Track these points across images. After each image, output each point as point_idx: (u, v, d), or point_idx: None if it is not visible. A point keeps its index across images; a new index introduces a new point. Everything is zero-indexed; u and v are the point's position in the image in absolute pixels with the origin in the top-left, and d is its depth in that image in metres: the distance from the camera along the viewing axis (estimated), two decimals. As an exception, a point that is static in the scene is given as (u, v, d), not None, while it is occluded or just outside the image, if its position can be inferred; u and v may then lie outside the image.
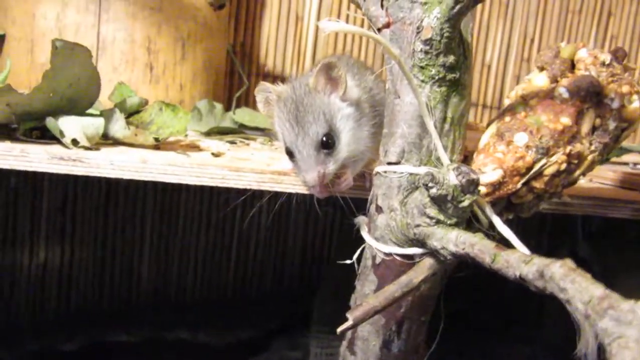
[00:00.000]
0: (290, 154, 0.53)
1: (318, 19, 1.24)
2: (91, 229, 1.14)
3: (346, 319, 0.43)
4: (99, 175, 0.52)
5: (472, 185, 0.41)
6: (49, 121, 0.55)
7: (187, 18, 0.93)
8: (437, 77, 0.45)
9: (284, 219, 1.20)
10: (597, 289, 0.29)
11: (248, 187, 0.53)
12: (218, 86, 1.07)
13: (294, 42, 1.23)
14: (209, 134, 0.83)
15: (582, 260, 1.08)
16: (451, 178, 0.41)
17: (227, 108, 1.03)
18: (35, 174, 1.10)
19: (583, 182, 0.73)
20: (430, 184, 0.41)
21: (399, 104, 0.47)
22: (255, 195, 1.16)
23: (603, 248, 1.07)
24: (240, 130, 0.87)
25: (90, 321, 1.11)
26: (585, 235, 1.10)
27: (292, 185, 0.55)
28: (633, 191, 0.68)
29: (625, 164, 0.88)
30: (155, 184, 1.14)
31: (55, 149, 0.54)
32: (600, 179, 0.75)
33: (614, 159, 0.87)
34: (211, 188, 1.18)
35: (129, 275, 1.17)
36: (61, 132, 0.55)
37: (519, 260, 0.35)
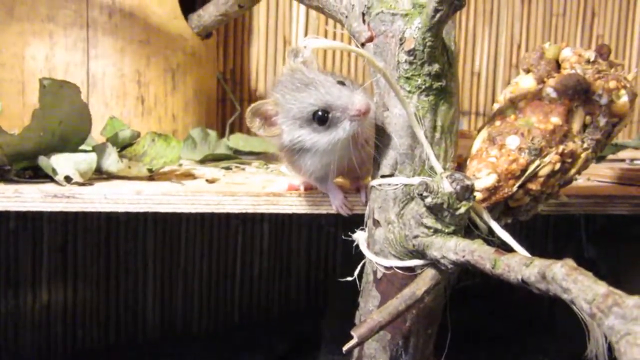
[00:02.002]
0: (321, 118, 0.48)
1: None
2: (93, 266, 1.14)
3: (352, 337, 0.43)
4: (93, 210, 0.52)
5: (466, 192, 0.41)
6: (41, 160, 0.55)
7: (176, 49, 0.94)
8: (423, 87, 0.45)
9: (286, 241, 1.19)
10: (601, 287, 0.29)
11: (244, 211, 0.53)
12: (210, 114, 1.08)
13: (283, 65, 1.24)
14: (203, 161, 0.83)
15: (589, 261, 1.07)
16: (445, 186, 0.41)
17: (221, 135, 1.04)
18: (34, 215, 1.10)
19: (581, 182, 0.72)
20: (425, 194, 0.41)
21: (388, 116, 0.46)
22: (256, 219, 1.15)
23: (608, 248, 1.06)
24: (235, 156, 0.87)
25: (98, 358, 1.09)
26: (589, 236, 1.09)
27: (289, 206, 0.54)
28: (631, 187, 0.67)
29: (622, 160, 0.88)
30: (154, 216, 1.14)
31: (49, 187, 0.53)
32: (598, 177, 0.75)
33: (610, 156, 0.87)
34: (211, 216, 1.18)
35: (134, 309, 1.16)
36: (54, 170, 0.55)
37: (519, 264, 0.35)
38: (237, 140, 0.99)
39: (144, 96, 0.91)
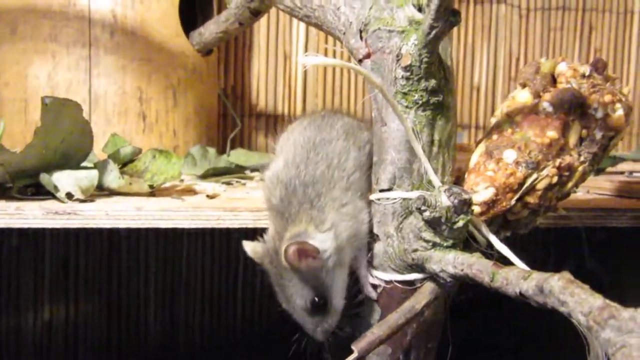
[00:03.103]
0: None
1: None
2: (95, 283, 1.14)
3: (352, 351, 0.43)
4: (94, 226, 0.52)
5: (464, 206, 0.41)
6: (43, 177, 0.56)
7: (176, 66, 0.95)
8: (420, 102, 0.45)
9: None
10: (597, 300, 0.29)
11: (244, 226, 0.53)
12: (211, 129, 1.08)
13: (283, 81, 1.25)
14: (205, 176, 0.84)
15: (591, 273, 1.06)
16: (443, 200, 0.41)
17: (222, 150, 1.04)
18: (36, 231, 1.10)
19: (580, 195, 0.72)
20: (423, 208, 0.41)
21: (386, 131, 0.47)
22: (257, 233, 1.15)
23: (610, 259, 1.06)
24: (237, 169, 0.88)
25: (99, 376, 1.09)
26: (590, 249, 1.09)
27: (289, 220, 0.54)
28: (631, 199, 0.67)
29: (621, 173, 0.89)
30: (156, 232, 1.14)
31: (50, 204, 0.54)
32: (598, 189, 0.75)
33: (609, 169, 0.87)
34: (212, 231, 1.18)
35: (136, 325, 1.15)
36: (55, 187, 0.56)
37: (517, 277, 0.35)
38: (238, 156, 0.99)
39: (146, 113, 0.92)
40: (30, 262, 1.11)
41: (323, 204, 0.47)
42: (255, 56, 1.24)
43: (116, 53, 0.89)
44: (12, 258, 1.10)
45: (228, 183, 0.81)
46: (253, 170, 0.95)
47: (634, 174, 0.86)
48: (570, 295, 0.30)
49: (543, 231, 1.17)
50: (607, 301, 0.29)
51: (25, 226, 0.51)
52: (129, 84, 0.91)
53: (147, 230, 1.14)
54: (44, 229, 1.07)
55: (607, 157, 0.74)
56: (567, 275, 0.32)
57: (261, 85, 1.25)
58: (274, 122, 1.26)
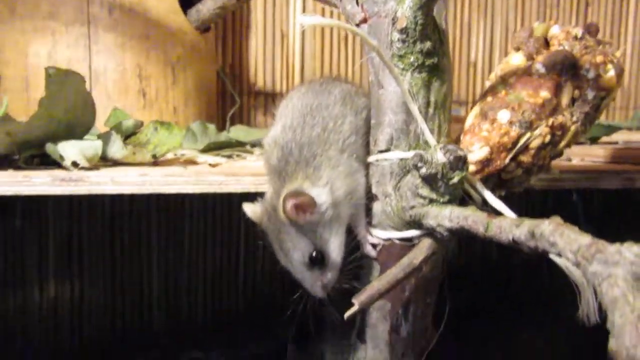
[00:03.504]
0: None
1: (303, 35, 1.27)
2: (99, 260, 1.15)
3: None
4: (101, 192, 0.53)
5: (459, 162, 0.43)
6: (49, 146, 0.57)
7: (175, 43, 0.96)
8: (416, 64, 0.46)
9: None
10: (585, 238, 0.31)
11: (246, 191, 0.54)
12: (211, 107, 1.09)
13: (281, 59, 1.26)
14: (205, 150, 0.85)
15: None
16: (439, 157, 0.43)
17: (222, 128, 1.05)
18: (39, 211, 1.12)
19: (575, 162, 0.74)
20: (419, 164, 0.43)
21: (383, 94, 0.48)
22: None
23: (606, 230, 1.08)
24: (237, 143, 0.89)
25: (105, 349, 1.11)
26: (587, 219, 1.11)
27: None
28: (624, 164, 0.69)
29: (616, 142, 0.90)
30: (157, 208, 1.16)
31: (57, 172, 0.55)
32: (592, 157, 0.76)
33: (604, 139, 0.88)
34: (213, 207, 1.20)
35: (140, 301, 1.17)
36: (61, 156, 0.57)
37: (510, 225, 0.37)
38: (238, 132, 1.00)
39: (145, 90, 0.93)
40: (35, 241, 1.12)
41: (319, 162, 0.49)
42: (252, 35, 1.25)
43: (115, 30, 0.90)
44: (16, 237, 1.11)
45: (229, 156, 0.82)
46: (253, 145, 0.96)
47: (628, 144, 0.87)
48: (560, 236, 0.32)
49: (540, 201, 1.19)
50: (595, 239, 0.30)
51: (34, 193, 0.53)
52: (128, 61, 0.92)
53: (149, 207, 1.16)
54: (47, 205, 1.08)
55: (600, 124, 0.76)
56: (557, 219, 0.33)
57: (259, 64, 1.26)
58: (273, 100, 1.26)
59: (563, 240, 0.31)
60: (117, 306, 1.15)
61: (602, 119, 1.06)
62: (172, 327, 1.16)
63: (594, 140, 0.81)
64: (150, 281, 1.16)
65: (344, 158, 0.50)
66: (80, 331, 1.14)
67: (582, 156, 0.77)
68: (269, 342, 1.05)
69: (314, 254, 0.49)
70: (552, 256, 0.40)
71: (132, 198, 1.14)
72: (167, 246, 1.16)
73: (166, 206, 1.16)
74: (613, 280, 0.27)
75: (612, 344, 0.25)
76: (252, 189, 0.54)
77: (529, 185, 0.53)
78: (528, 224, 0.35)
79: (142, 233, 1.15)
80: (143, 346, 1.09)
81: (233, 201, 1.18)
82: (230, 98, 1.21)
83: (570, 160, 0.73)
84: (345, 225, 0.50)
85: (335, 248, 0.50)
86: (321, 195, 0.48)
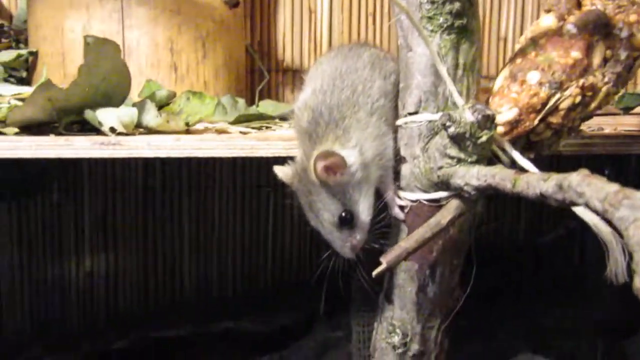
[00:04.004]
0: None
1: (330, 11, 1.27)
2: (132, 235, 1.19)
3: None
4: (138, 156, 0.55)
5: (488, 121, 0.43)
6: (87, 113, 0.59)
7: (205, 17, 0.97)
8: (445, 25, 0.47)
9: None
10: (612, 186, 0.31)
11: (277, 155, 0.56)
12: (240, 83, 1.11)
13: (309, 36, 1.26)
14: (235, 123, 0.86)
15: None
16: (467, 116, 0.43)
17: (251, 103, 1.07)
18: (75, 187, 1.16)
19: (607, 131, 0.73)
20: (448, 123, 0.43)
21: (412, 56, 0.49)
22: (287, 186, 1.19)
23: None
24: (267, 116, 0.90)
25: (139, 321, 1.15)
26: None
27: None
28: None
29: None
30: (189, 186, 1.19)
31: (96, 137, 0.58)
32: (625, 126, 0.75)
33: (638, 109, 0.86)
34: (243, 184, 1.22)
35: (172, 275, 1.21)
36: (99, 122, 0.59)
37: (538, 179, 0.37)
38: (266, 107, 1.01)
39: (177, 64, 0.95)
40: (71, 217, 1.16)
41: (348, 124, 0.50)
42: (280, 12, 1.25)
43: (147, 4, 0.92)
44: (54, 213, 1.15)
45: (258, 128, 0.83)
46: (282, 119, 0.97)
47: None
48: (587, 186, 0.32)
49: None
50: (622, 187, 0.31)
51: (74, 156, 0.55)
52: (160, 35, 0.93)
53: (180, 183, 1.19)
54: (82, 181, 1.12)
55: (634, 93, 0.74)
56: (584, 171, 0.34)
57: (287, 40, 1.27)
58: (301, 77, 1.27)
59: (590, 189, 0.32)
60: (150, 280, 1.19)
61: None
62: (203, 300, 1.19)
63: (627, 110, 0.80)
64: (182, 256, 1.20)
65: (373, 120, 0.51)
66: (115, 303, 1.19)
67: (615, 126, 0.76)
68: (298, 313, 1.08)
69: (343, 214, 0.50)
70: (581, 212, 0.40)
71: (164, 174, 1.18)
72: (198, 223, 1.19)
73: (197, 184, 1.18)
74: (639, 223, 0.27)
75: (637, 282, 0.25)
76: (283, 153, 0.56)
77: (557, 150, 0.53)
78: (556, 177, 0.36)
79: (174, 210, 1.19)
80: (175, 318, 1.12)
81: (262, 178, 1.20)
82: (259, 75, 1.22)
83: (602, 129, 0.72)
84: (374, 187, 0.51)
85: (364, 209, 0.51)
86: (351, 156, 0.49)
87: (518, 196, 0.39)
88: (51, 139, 0.56)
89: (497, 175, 0.41)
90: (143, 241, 1.18)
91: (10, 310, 1.14)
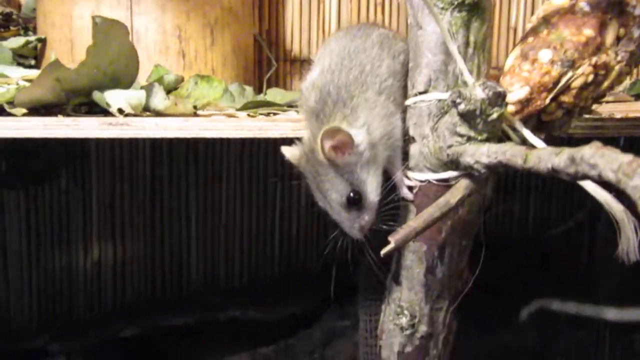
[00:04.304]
0: None
1: (339, 1, 1.26)
2: (139, 223, 1.19)
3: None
4: (145, 136, 0.55)
5: (499, 98, 0.43)
6: (95, 94, 0.59)
7: (214, 4, 0.97)
8: (456, 3, 0.46)
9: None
10: (626, 157, 0.30)
11: (284, 136, 0.55)
12: (248, 71, 1.11)
13: (317, 26, 1.26)
14: (243, 109, 0.86)
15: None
16: (478, 93, 0.43)
17: (259, 92, 1.06)
18: (83, 174, 1.16)
19: (619, 116, 0.72)
20: (458, 100, 0.43)
21: (421, 35, 0.48)
22: (293, 177, 1.19)
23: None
24: (275, 103, 0.90)
25: (146, 309, 1.15)
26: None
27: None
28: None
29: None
30: (196, 176, 1.19)
31: (104, 118, 0.57)
32: (637, 113, 0.74)
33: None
34: (250, 175, 1.22)
35: (179, 264, 1.21)
36: (107, 104, 0.59)
37: (549, 154, 0.36)
38: (274, 95, 1.01)
39: (185, 51, 0.95)
40: (79, 204, 1.16)
41: (356, 104, 0.50)
42: (289, 1, 1.25)
43: (155, -9, 0.92)
44: (61, 202, 1.16)
45: (266, 115, 0.83)
46: (289, 106, 0.97)
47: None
48: (600, 157, 0.32)
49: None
50: (635, 157, 0.30)
51: (82, 136, 0.55)
52: (168, 22, 0.93)
53: (187, 172, 1.19)
54: (90, 168, 1.12)
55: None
56: (597, 143, 0.33)
57: (295, 30, 1.26)
58: (309, 67, 1.27)
59: (604, 160, 0.31)
60: (157, 269, 1.19)
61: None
62: (210, 289, 1.19)
63: (638, 97, 0.79)
64: (189, 245, 1.20)
65: (381, 100, 0.50)
66: (123, 292, 1.19)
67: (626, 112, 0.75)
68: (305, 302, 1.08)
69: (351, 194, 0.50)
70: (592, 190, 0.40)
71: (171, 163, 1.18)
72: (205, 213, 1.19)
73: (204, 175, 1.19)
74: (655, 190, 0.27)
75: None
76: (290, 134, 0.56)
77: (568, 133, 0.52)
78: (568, 150, 0.35)
79: (181, 199, 1.19)
80: (183, 306, 1.12)
81: (269, 168, 1.20)
82: (267, 64, 1.22)
83: (613, 115, 0.71)
84: (382, 167, 0.51)
85: (372, 189, 0.50)
86: (358, 135, 0.49)
87: (529, 172, 0.39)
88: (59, 120, 0.56)
89: (507, 152, 0.40)
90: (151, 230, 1.19)
91: (18, 299, 1.15)
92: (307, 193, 0.55)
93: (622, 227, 0.40)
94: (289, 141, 0.56)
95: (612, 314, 1.00)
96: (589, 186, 0.41)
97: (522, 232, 1.21)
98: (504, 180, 1.18)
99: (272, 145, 1.19)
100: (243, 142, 1.17)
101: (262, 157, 1.20)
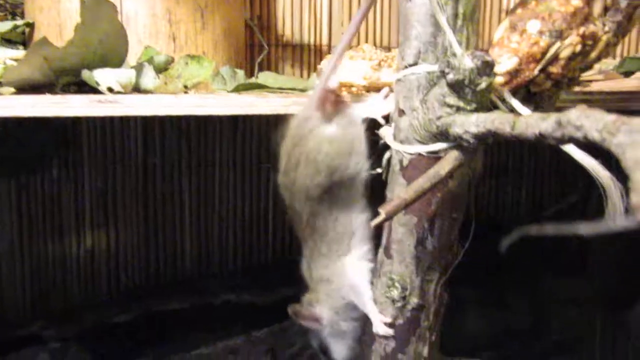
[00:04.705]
0: None
1: (331, -15, 1.26)
2: (132, 210, 1.19)
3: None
4: (136, 114, 0.55)
5: (487, 67, 0.43)
6: (84, 72, 0.59)
7: (203, -13, 0.96)
8: (444, -26, 0.46)
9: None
10: (610, 116, 0.31)
11: (275, 112, 0.55)
12: (239, 56, 1.10)
13: (309, 11, 1.25)
14: (234, 91, 0.86)
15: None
16: (466, 62, 0.43)
17: (250, 77, 1.06)
18: (75, 162, 1.16)
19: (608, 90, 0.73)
20: (446, 70, 0.43)
21: (410, 7, 0.48)
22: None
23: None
24: (266, 86, 0.90)
25: (140, 295, 1.15)
26: (619, 166, 1.09)
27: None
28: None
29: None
30: (189, 161, 1.19)
31: (93, 95, 0.57)
32: (626, 88, 0.75)
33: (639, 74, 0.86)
34: (242, 161, 1.22)
35: (173, 249, 1.21)
36: (96, 82, 0.59)
37: (537, 119, 0.37)
38: (266, 78, 1.01)
39: (175, 34, 0.94)
40: (71, 192, 1.16)
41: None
42: (279, -14, 1.24)
43: (144, -27, 0.91)
44: (53, 188, 1.15)
45: (257, 97, 0.83)
46: (281, 89, 0.97)
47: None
48: (586, 118, 0.32)
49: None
50: (620, 116, 0.30)
51: (72, 114, 0.55)
52: (158, 6, 0.93)
53: (180, 158, 1.19)
54: (82, 155, 1.12)
55: (636, 57, 0.74)
56: (582, 106, 0.34)
57: (287, 15, 1.26)
58: (301, 52, 1.26)
59: (589, 121, 0.31)
60: (151, 255, 1.19)
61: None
62: (204, 275, 1.19)
63: (628, 75, 0.79)
64: (183, 231, 1.20)
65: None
66: (117, 280, 1.19)
67: (616, 90, 0.76)
68: (299, 285, 1.08)
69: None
70: (579, 157, 0.40)
71: (164, 149, 1.18)
72: (199, 199, 1.19)
73: (197, 159, 1.18)
74: (637, 144, 0.27)
75: (634, 199, 0.25)
76: (281, 110, 0.56)
77: (556, 106, 0.52)
78: (555, 115, 0.35)
79: (175, 186, 1.19)
80: (177, 292, 1.13)
81: (262, 153, 1.20)
82: (259, 49, 1.21)
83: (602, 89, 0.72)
84: None
85: None
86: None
87: (517, 140, 0.39)
88: (47, 98, 0.55)
89: (496, 120, 0.41)
90: (144, 216, 1.18)
91: (11, 287, 1.15)
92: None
93: (609, 193, 0.41)
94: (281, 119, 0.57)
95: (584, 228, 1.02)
96: (577, 154, 0.41)
97: (514, 214, 1.22)
98: (496, 163, 1.19)
99: (265, 129, 1.19)
100: (235, 125, 1.17)
101: (255, 142, 1.20)
